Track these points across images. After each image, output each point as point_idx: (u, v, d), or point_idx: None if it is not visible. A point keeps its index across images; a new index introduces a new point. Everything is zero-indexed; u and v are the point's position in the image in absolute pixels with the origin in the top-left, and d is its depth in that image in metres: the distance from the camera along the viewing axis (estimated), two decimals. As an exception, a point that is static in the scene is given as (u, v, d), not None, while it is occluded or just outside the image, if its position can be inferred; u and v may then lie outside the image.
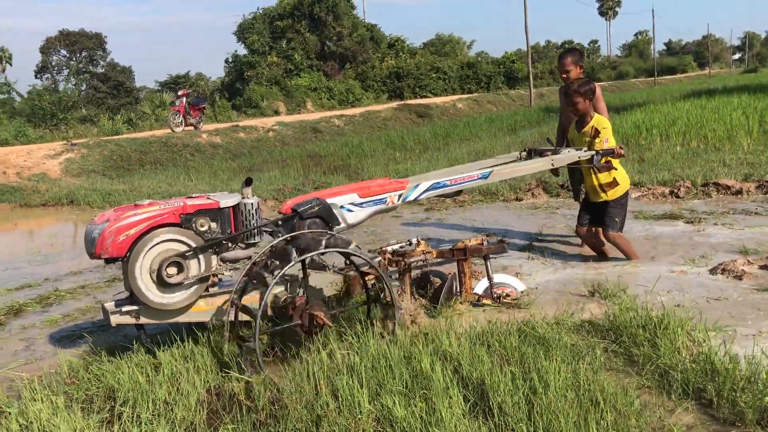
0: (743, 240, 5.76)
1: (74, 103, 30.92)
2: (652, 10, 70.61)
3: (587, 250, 5.83)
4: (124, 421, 3.06)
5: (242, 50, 38.85)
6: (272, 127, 23.23)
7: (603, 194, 5.38)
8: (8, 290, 6.24)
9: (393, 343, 3.50)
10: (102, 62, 49.40)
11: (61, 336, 4.78)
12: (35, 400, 3.21)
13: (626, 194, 5.47)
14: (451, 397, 2.92)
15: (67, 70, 48.04)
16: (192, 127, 21.48)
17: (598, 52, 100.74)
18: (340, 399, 2.99)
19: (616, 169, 5.28)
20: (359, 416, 2.85)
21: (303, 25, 39.44)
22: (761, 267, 4.90)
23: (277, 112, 32.24)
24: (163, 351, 3.76)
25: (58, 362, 3.98)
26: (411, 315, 4.01)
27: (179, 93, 22.10)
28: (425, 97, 40.71)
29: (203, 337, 3.93)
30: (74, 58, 49.45)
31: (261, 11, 40.59)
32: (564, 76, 5.80)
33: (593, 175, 5.34)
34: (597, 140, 5.29)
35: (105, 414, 3.22)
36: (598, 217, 5.49)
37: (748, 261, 5.03)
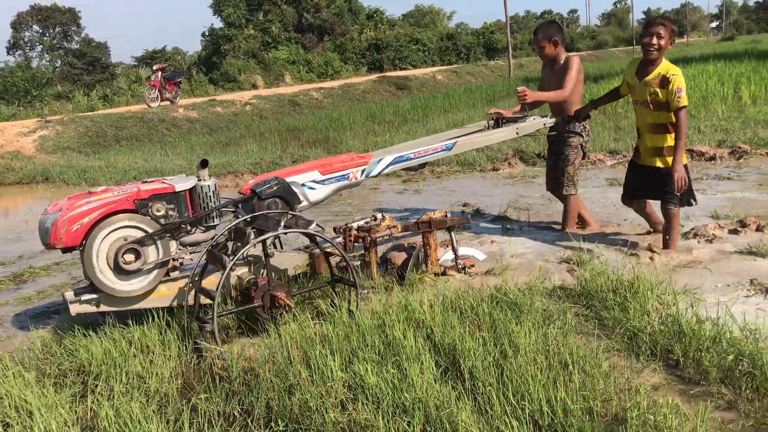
0: (715, 205, 5.82)
1: (48, 80, 30.42)
2: (631, -21, 71.08)
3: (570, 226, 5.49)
4: (97, 395, 3.05)
5: (219, 24, 38.29)
6: (250, 101, 22.99)
7: (659, 159, 4.64)
8: (-19, 268, 6.18)
9: (366, 312, 3.52)
10: (77, 38, 48.35)
11: (35, 313, 4.75)
12: (6, 376, 3.19)
13: (686, 165, 4.62)
14: (422, 363, 2.94)
15: (41, 46, 47.03)
16: (168, 102, 21.20)
17: (577, 21, 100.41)
18: (312, 368, 3.01)
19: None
20: (331, 384, 2.87)
21: (280, -4, 38.88)
22: (731, 231, 4.97)
23: (255, 86, 31.89)
24: (137, 325, 3.75)
25: (30, 338, 3.95)
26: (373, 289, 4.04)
27: (154, 67, 21.78)
28: (405, 68, 40.42)
29: (176, 311, 3.93)
30: (47, 34, 48.36)
31: (237, -17, 39.90)
32: (540, 53, 5.27)
33: (654, 135, 4.60)
34: (667, 92, 4.41)
35: (77, 388, 3.22)
36: (653, 188, 4.73)
37: (719, 225, 5.09)
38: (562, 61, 5.15)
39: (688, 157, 7.90)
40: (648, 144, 4.66)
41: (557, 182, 5.33)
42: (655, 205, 4.94)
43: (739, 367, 2.82)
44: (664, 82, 4.41)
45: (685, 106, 4.40)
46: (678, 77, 4.38)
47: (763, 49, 24.79)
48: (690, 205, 4.70)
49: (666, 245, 4.71)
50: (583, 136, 5.19)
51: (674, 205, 4.59)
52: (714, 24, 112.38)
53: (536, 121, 4.99)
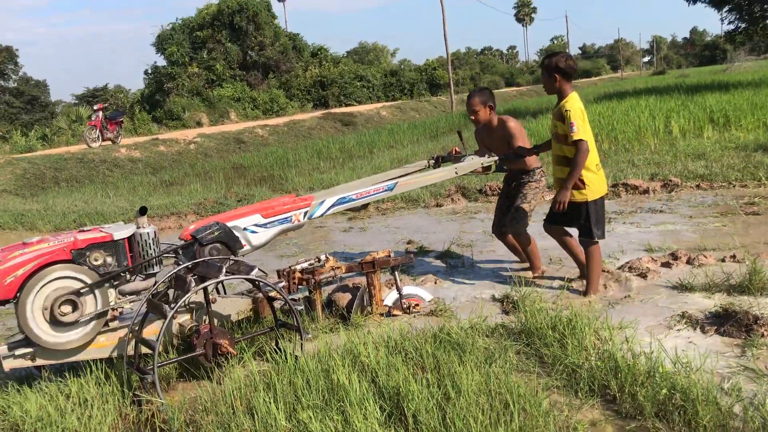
0: (649, 238, 6.03)
1: (-17, 120, 29.59)
2: (566, 16, 73.91)
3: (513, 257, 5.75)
4: (32, 454, 2.96)
5: (162, 62, 38.07)
6: (194, 140, 22.82)
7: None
8: None
9: (310, 357, 3.52)
10: (14, 76, 47.31)
11: (-33, 367, 4.56)
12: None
13: (597, 201, 4.59)
14: (367, 408, 2.95)
15: (-25, 85, 45.77)
16: (110, 142, 20.88)
17: (516, 57, 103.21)
18: (256, 417, 2.98)
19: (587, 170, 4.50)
20: (275, 433, 2.85)
21: (224, 35, 38.92)
22: (663, 264, 5.15)
23: (199, 124, 31.69)
24: (75, 378, 3.65)
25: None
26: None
27: (95, 107, 21.48)
28: (350, 105, 40.82)
29: (115, 361, 3.84)
30: (-18, 73, 47.18)
31: (180, 22, 39.84)
32: (473, 117, 5.32)
33: (559, 167, 4.64)
34: (563, 126, 4.42)
35: (11, 448, 3.11)
36: (567, 218, 4.70)
37: (652, 258, 5.27)
38: (495, 124, 5.31)
39: (623, 191, 8.20)
40: (555, 175, 4.71)
41: (507, 220, 5.33)
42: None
43: (672, 401, 2.92)
44: (561, 116, 4.46)
45: (580, 140, 4.34)
46: (571, 112, 4.36)
47: (691, 83, 25.94)
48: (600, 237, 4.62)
49: (587, 288, 4.71)
50: (542, 182, 5.32)
51: (590, 237, 4.58)
52: (646, 58, 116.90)
53: (474, 160, 5.11)
